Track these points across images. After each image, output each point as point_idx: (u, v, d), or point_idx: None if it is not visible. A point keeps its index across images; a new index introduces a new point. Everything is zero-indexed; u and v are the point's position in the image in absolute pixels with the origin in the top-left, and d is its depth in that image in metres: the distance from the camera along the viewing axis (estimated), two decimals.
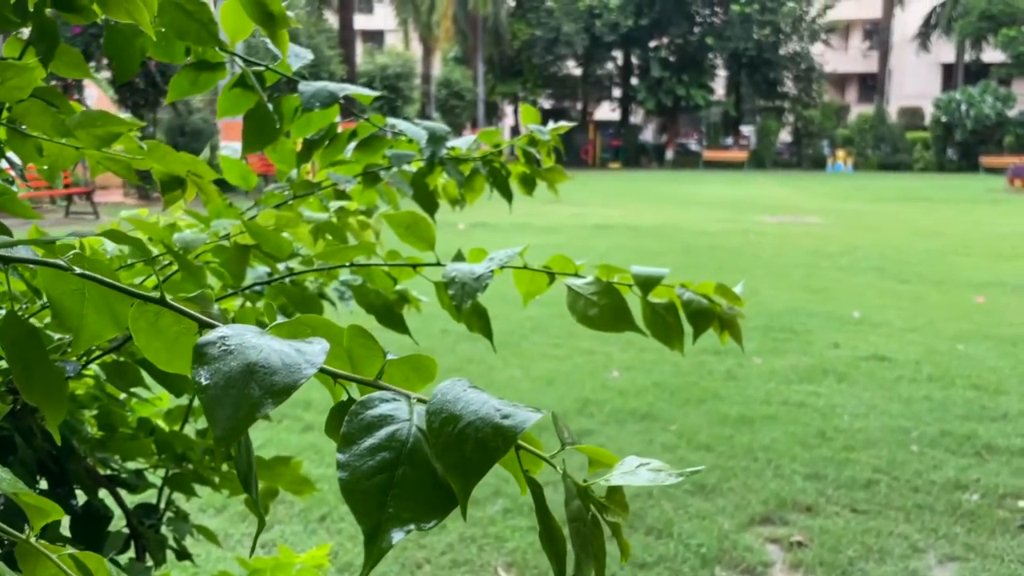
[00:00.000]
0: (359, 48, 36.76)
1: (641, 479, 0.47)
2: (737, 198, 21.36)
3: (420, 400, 0.45)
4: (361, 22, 43.85)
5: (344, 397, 0.51)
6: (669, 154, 40.90)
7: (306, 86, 1.29)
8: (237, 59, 1.18)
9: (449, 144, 1.51)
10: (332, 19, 28.38)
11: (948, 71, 41.87)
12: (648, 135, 45.24)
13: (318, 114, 1.38)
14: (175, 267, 1.15)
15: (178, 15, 0.94)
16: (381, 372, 0.47)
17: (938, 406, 4.69)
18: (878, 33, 41.70)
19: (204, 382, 0.38)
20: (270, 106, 1.21)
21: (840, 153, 37.05)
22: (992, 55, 38.29)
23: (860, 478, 3.72)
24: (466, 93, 34.44)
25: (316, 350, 0.41)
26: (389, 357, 0.49)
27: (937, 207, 18.98)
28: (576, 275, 1.02)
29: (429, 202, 1.52)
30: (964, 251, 11.36)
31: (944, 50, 40.87)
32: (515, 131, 46.15)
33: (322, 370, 0.44)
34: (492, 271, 0.94)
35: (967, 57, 38.99)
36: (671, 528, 3.24)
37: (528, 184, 1.69)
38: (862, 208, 18.58)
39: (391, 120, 1.44)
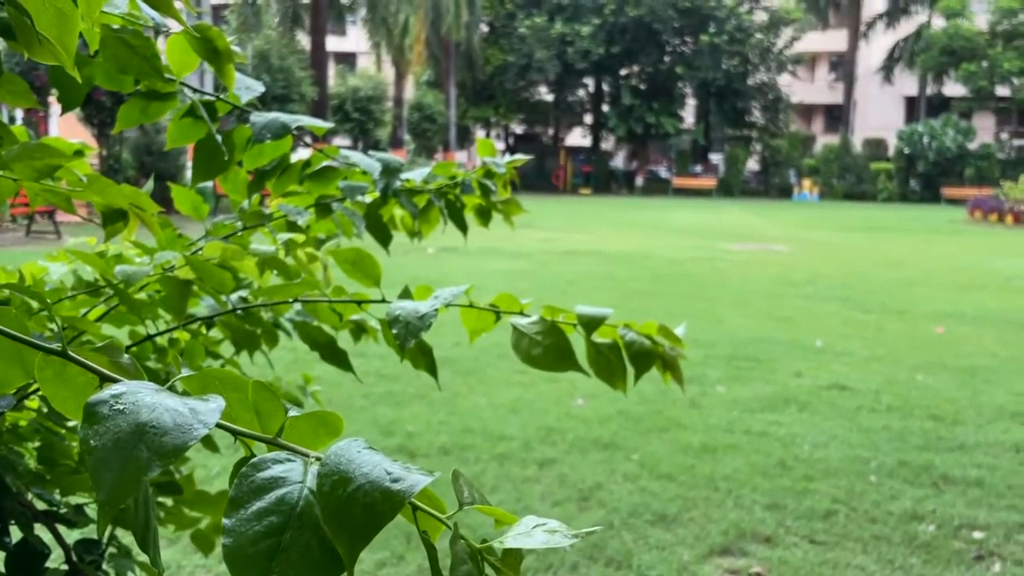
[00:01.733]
0: (331, 70, 36.78)
1: (536, 541, 0.47)
2: (705, 225, 21.59)
3: (318, 459, 0.44)
4: (333, 44, 43.90)
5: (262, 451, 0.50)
6: (639, 180, 41.31)
7: (257, 117, 1.29)
8: (186, 89, 1.18)
9: (404, 176, 1.51)
10: (304, 40, 28.39)
11: (911, 104, 42.84)
12: (619, 161, 45.67)
13: (271, 144, 1.37)
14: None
15: (121, 49, 0.93)
16: (281, 430, 0.46)
17: (896, 436, 4.75)
18: (843, 65, 42.59)
19: (92, 443, 0.37)
20: (219, 137, 1.20)
21: (806, 182, 37.64)
22: (953, 89, 39.26)
23: (819, 508, 3.74)
24: (438, 117, 34.56)
25: (211, 408, 0.40)
26: (291, 413, 0.48)
27: (900, 237, 19.32)
28: (521, 313, 1.01)
29: (383, 234, 1.52)
30: (925, 281, 11.56)
31: (907, 83, 41.83)
32: None
33: (220, 426, 0.43)
34: (436, 310, 0.93)
35: (929, 90, 39.93)
36: (631, 559, 3.22)
37: (484, 216, 1.70)
38: (827, 237, 18.86)
39: (344, 151, 1.44)
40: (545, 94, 42.10)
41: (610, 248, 15.21)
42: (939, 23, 37.98)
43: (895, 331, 7.91)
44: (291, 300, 1.03)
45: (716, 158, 43.02)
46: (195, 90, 1.20)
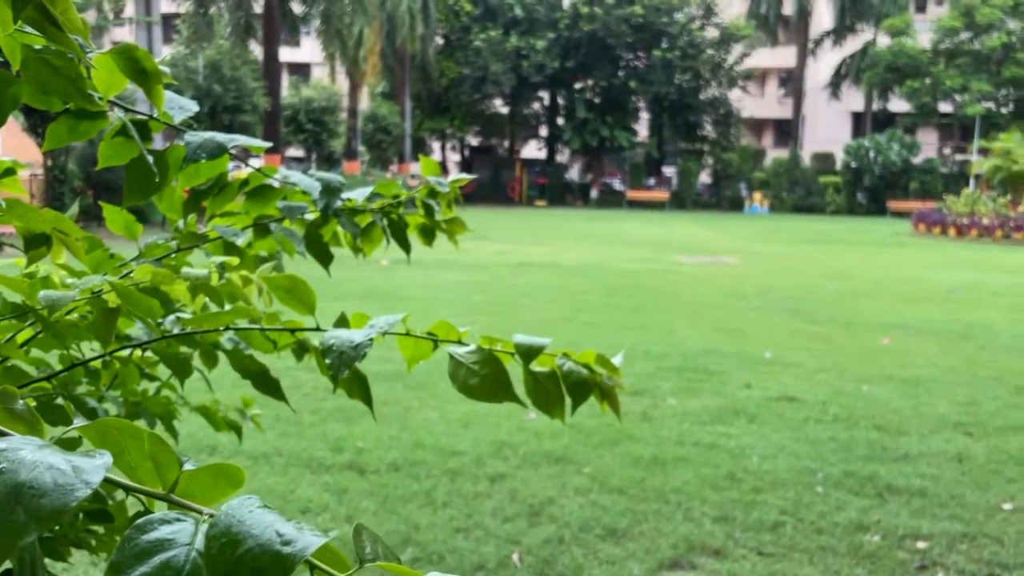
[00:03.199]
0: (285, 80, 36.46)
1: None
2: (658, 238, 21.82)
3: (211, 517, 0.43)
4: (287, 55, 43.53)
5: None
6: (594, 193, 41.62)
7: (192, 136, 1.26)
8: (116, 109, 1.15)
9: (346, 195, 1.49)
10: (257, 51, 28.11)
11: (858, 119, 43.89)
12: (574, 174, 45.98)
13: (207, 163, 1.35)
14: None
15: (44, 70, 0.90)
16: (175, 485, 0.45)
17: (842, 447, 4.83)
18: (792, 81, 43.50)
19: None
20: (151, 157, 1.17)
21: (757, 195, 38.29)
22: (898, 105, 40.34)
23: (767, 520, 3.78)
24: (393, 128, 34.45)
25: (96, 465, 0.39)
26: (187, 467, 0.46)
27: (847, 249, 19.74)
28: (459, 342, 1.00)
29: (323, 254, 1.50)
30: (871, 293, 11.82)
31: (854, 99, 42.87)
32: (442, 167, 46.21)
33: (109, 482, 0.42)
34: (371, 339, 0.92)
35: (875, 106, 40.97)
36: (581, 574, 3.22)
37: (427, 235, 1.69)
38: (777, 250, 19.18)
39: (283, 171, 1.41)
40: (501, 106, 42.25)
41: (565, 260, 15.28)
42: (884, 41, 39.03)
43: (842, 342, 8.06)
44: (221, 329, 1.01)
45: (669, 171, 43.56)
46: (126, 109, 1.17)
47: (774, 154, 44.39)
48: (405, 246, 1.58)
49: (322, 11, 26.01)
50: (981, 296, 11.85)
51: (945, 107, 38.34)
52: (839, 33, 40.25)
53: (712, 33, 38.88)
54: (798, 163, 39.64)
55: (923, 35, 38.08)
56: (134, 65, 0.96)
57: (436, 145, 45.86)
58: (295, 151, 39.03)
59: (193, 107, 1.23)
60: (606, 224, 27.17)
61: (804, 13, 39.34)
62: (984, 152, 31.76)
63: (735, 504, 3.96)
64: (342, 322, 1.05)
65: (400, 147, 35.94)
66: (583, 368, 1.01)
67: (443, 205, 1.66)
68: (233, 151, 1.32)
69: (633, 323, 8.83)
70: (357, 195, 1.51)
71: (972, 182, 32.39)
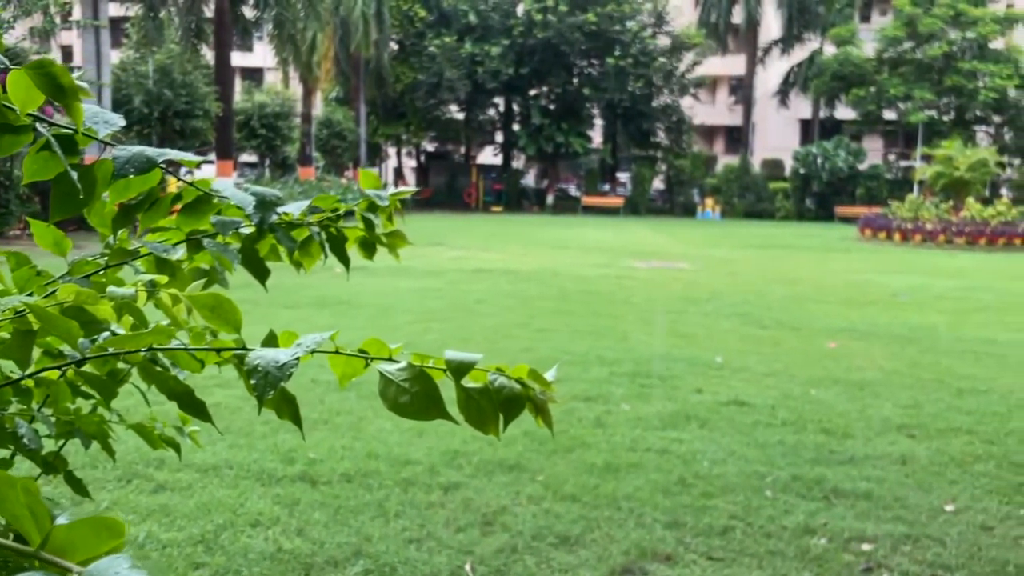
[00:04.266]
0: (237, 85, 35.99)
1: None
2: (613, 243, 21.98)
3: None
4: (239, 59, 42.98)
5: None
6: (550, 199, 41.78)
7: (121, 151, 1.23)
8: (39, 124, 1.12)
9: (282, 209, 1.47)
10: (209, 55, 27.71)
11: (806, 126, 44.78)
12: (530, 180, 46.12)
13: (138, 177, 1.32)
14: None
15: None
16: (46, 540, 0.43)
17: (791, 451, 4.90)
18: (742, 89, 44.20)
19: None
20: (75, 173, 1.14)
21: (709, 201, 38.82)
22: (844, 112, 41.23)
23: (717, 525, 3.82)
24: (348, 134, 34.20)
25: None
26: (59, 521, 0.45)
27: (796, 254, 20.10)
28: (390, 359, 0.99)
29: (259, 269, 1.47)
30: (819, 298, 12.04)
31: (802, 106, 43.73)
32: (398, 172, 46.08)
33: None
34: (298, 358, 0.91)
35: (822, 114, 41.83)
36: None
37: (368, 249, 1.67)
38: (728, 255, 19.45)
39: (216, 185, 1.39)
40: (456, 112, 42.22)
41: (520, 266, 15.30)
42: (830, 50, 39.88)
43: (791, 346, 8.20)
44: (143, 350, 0.98)
45: (624, 177, 43.96)
46: (50, 123, 1.14)
47: (725, 160, 45.08)
48: (344, 260, 1.57)
49: (274, 16, 25.72)
50: (924, 300, 12.15)
51: (889, 115, 39.29)
52: (787, 42, 41.03)
53: (664, 41, 39.34)
54: (748, 169, 40.28)
55: (868, 44, 39.01)
56: (50, 80, 0.93)
57: (392, 151, 45.66)
58: (248, 157, 38.52)
59: (119, 121, 1.21)
60: (562, 230, 27.28)
61: (753, 22, 40.03)
62: (927, 159, 32.63)
63: (686, 509, 4.00)
64: (270, 340, 1.03)
65: (355, 153, 35.69)
66: (516, 383, 1.01)
67: (383, 218, 1.65)
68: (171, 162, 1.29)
69: (587, 329, 8.87)
70: (294, 208, 1.49)
71: (916, 188, 33.23)
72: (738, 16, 40.35)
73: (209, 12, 26.38)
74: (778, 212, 38.27)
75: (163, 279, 1.16)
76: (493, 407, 0.99)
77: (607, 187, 42.63)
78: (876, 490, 4.30)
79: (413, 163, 46.49)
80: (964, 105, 37.57)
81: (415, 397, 0.94)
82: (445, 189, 42.49)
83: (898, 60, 38.48)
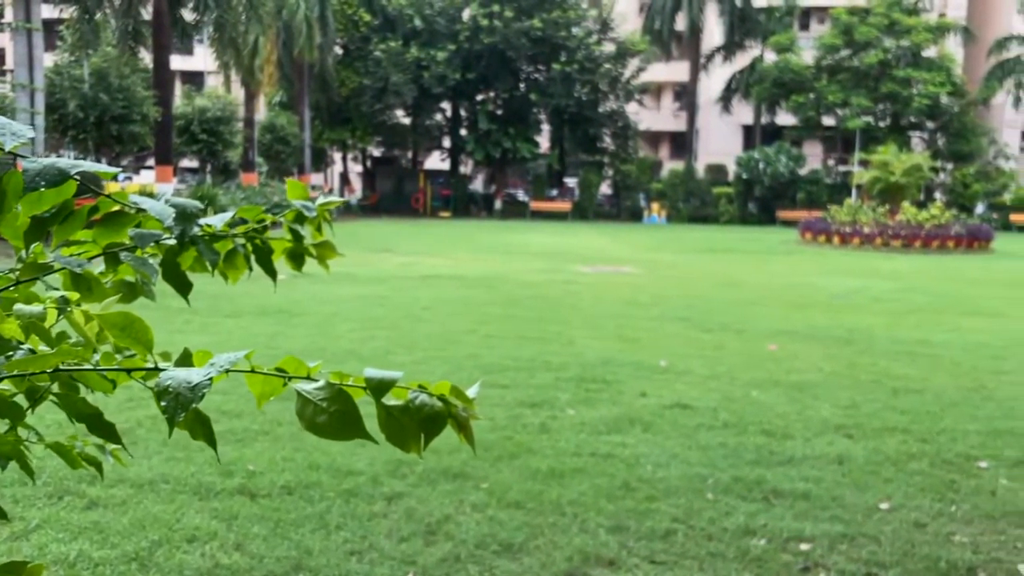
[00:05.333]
0: (177, 89, 35.30)
1: None
2: (560, 248, 22.09)
3: None
4: (179, 63, 42.18)
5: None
6: (498, 204, 41.83)
7: (31, 163, 1.19)
8: None
9: (204, 220, 1.43)
10: (148, 58, 27.12)
11: (748, 132, 45.61)
12: (478, 185, 46.12)
13: (51, 190, 1.27)
14: None
15: None
16: None
17: (732, 453, 4.97)
18: (686, 95, 44.85)
19: None
20: None
21: (655, 206, 39.28)
22: (785, 118, 42.14)
23: (659, 528, 3.85)
24: (292, 139, 33.78)
25: None
26: None
27: (739, 258, 20.45)
28: (308, 378, 0.97)
29: (181, 283, 1.43)
30: (761, 301, 12.26)
31: (744, 112, 44.54)
32: (344, 178, 45.65)
33: None
34: (211, 379, 0.88)
35: (763, 119, 42.66)
36: None
37: (296, 260, 1.64)
38: (674, 259, 19.70)
39: (133, 197, 1.35)
40: (403, 117, 42.01)
41: (468, 272, 15.28)
42: (771, 57, 40.73)
43: (733, 349, 8.32)
44: (48, 371, 0.95)
45: (571, 182, 44.24)
46: None
47: (670, 165, 45.68)
48: (271, 272, 1.54)
49: (215, 19, 25.28)
50: (862, 302, 12.46)
51: (828, 121, 40.27)
52: (729, 49, 41.77)
53: (609, 48, 39.73)
54: (693, 174, 40.89)
55: (807, 52, 39.95)
56: None
57: (338, 156, 45.23)
58: (190, 162, 37.79)
59: (28, 133, 1.17)
60: (510, 235, 27.33)
61: (696, 29, 40.66)
62: (864, 164, 33.51)
63: (629, 513, 4.02)
64: (184, 360, 1.00)
65: (300, 158, 35.26)
66: (437, 401, 1.00)
67: (312, 229, 1.62)
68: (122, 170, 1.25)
69: (534, 334, 8.89)
70: (217, 220, 1.45)
71: (854, 192, 34.10)
72: (681, 23, 40.94)
73: (147, 15, 25.84)
74: (722, 216, 38.90)
75: (74, 296, 1.12)
76: (414, 425, 0.97)
77: (555, 192, 42.84)
78: (814, 490, 4.38)
79: (359, 168, 46.12)
80: (899, 111, 38.71)
81: (333, 417, 0.92)
82: (392, 194, 42.26)
83: (836, 67, 39.48)
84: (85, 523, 3.77)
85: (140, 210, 1.38)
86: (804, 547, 3.72)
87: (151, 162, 24.87)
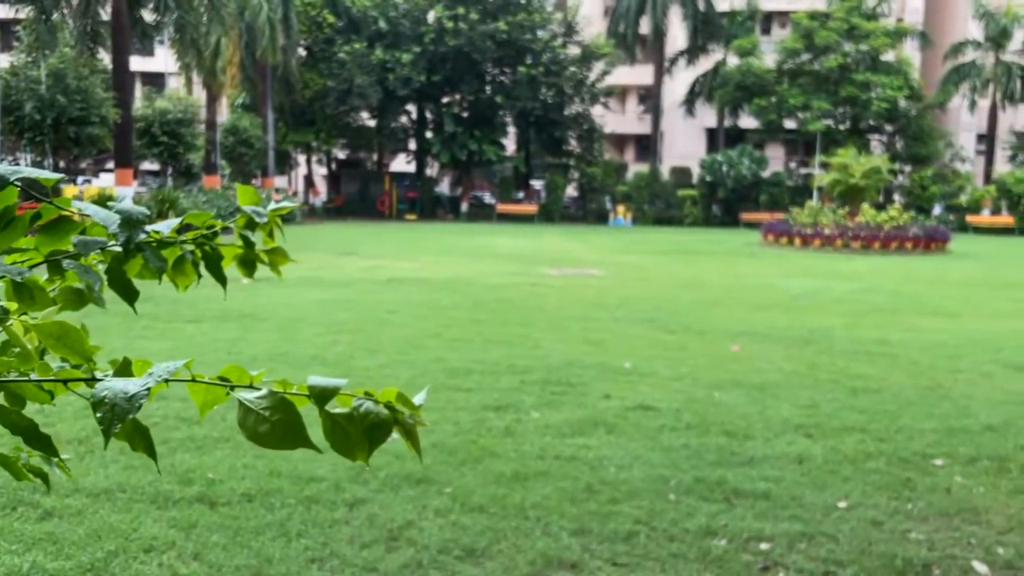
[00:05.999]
0: (138, 91, 34.77)
1: None
2: (527, 251, 22.12)
3: None
4: (140, 64, 41.58)
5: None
6: (464, 206, 41.79)
7: None
8: None
9: (151, 227, 1.41)
10: (107, 59, 26.67)
11: (711, 134, 46.08)
12: (444, 187, 46.03)
13: None
14: None
15: None
16: None
17: (694, 454, 5.01)
18: (650, 98, 45.20)
19: None
20: None
21: (620, 208, 39.52)
22: (747, 121, 42.65)
23: (622, 530, 3.86)
24: (255, 141, 33.44)
25: None
26: None
27: (702, 260, 20.64)
28: (251, 386, 0.96)
29: (127, 291, 1.41)
30: (724, 302, 12.38)
31: (707, 116, 45.01)
32: (308, 180, 45.29)
33: None
34: (148, 389, 0.87)
35: (727, 123, 43.14)
36: None
37: (248, 267, 1.62)
38: (639, 261, 19.83)
39: (77, 203, 1.33)
40: (368, 119, 41.82)
41: (433, 275, 15.24)
42: (733, 61, 41.21)
43: (696, 350, 8.39)
44: None
45: (538, 184, 44.35)
46: None
47: (636, 168, 45.98)
48: (221, 280, 1.52)
49: (175, 20, 24.94)
50: (822, 302, 12.64)
51: (790, 124, 40.84)
52: (692, 53, 42.19)
53: (574, 51, 39.92)
54: (658, 177, 41.21)
55: (769, 56, 40.49)
56: None
57: (302, 158, 44.88)
58: (151, 165, 37.24)
59: None
60: (476, 238, 27.32)
61: (660, 33, 41.00)
62: (825, 166, 34.01)
63: (592, 516, 4.03)
64: (124, 369, 0.98)
65: (263, 160, 34.91)
66: (383, 408, 0.99)
67: (263, 235, 1.61)
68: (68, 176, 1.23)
69: (499, 337, 8.88)
70: (164, 227, 1.43)
71: (815, 194, 34.60)
72: (645, 27, 41.27)
73: (106, 15, 25.41)
74: (687, 218, 39.25)
75: (12, 305, 1.10)
76: (359, 433, 0.97)
77: (521, 195, 42.92)
78: (774, 490, 4.43)
79: (324, 171, 45.80)
80: (858, 115, 39.37)
81: (275, 426, 0.91)
82: (357, 197, 42.04)
83: (797, 71, 40.05)
84: (39, 534, 3.70)
85: (85, 216, 1.36)
86: (764, 547, 3.75)
87: (111, 165, 24.43)
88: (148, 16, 26.80)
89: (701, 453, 5.02)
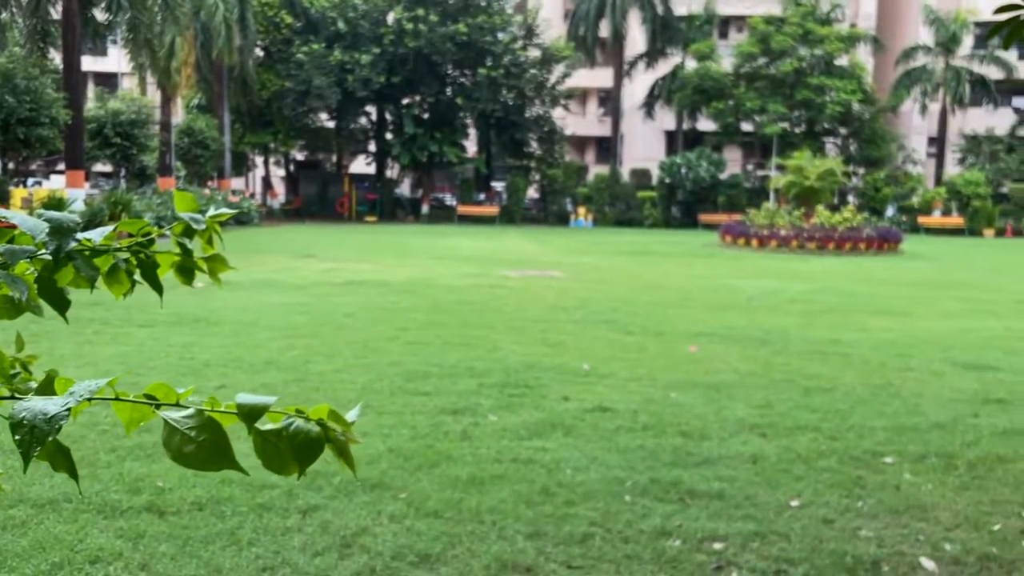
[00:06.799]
0: (90, 91, 34.08)
1: None
2: (488, 253, 22.11)
3: None
4: (92, 64, 40.76)
5: None
6: (425, 208, 41.65)
7: None
8: None
9: (83, 235, 1.38)
10: (58, 59, 26.09)
11: (670, 137, 46.51)
12: (405, 189, 45.83)
13: None
14: None
15: None
16: None
17: (650, 455, 5.04)
18: (610, 101, 45.50)
19: None
20: None
21: (581, 210, 39.70)
22: (705, 124, 43.13)
23: (577, 533, 3.87)
24: (211, 143, 32.97)
25: None
26: None
27: (662, 261, 20.81)
28: (177, 404, 0.94)
29: (58, 300, 1.38)
30: (682, 303, 12.49)
31: (666, 118, 45.42)
32: (266, 182, 44.77)
33: None
34: (68, 409, 0.84)
35: (685, 125, 43.59)
36: None
37: (186, 274, 1.59)
38: (599, 262, 19.93)
39: (3, 211, 1.29)
40: (327, 121, 41.49)
41: (393, 277, 15.15)
42: (692, 64, 41.64)
43: (654, 352, 8.45)
44: None
45: (499, 186, 44.37)
46: None
47: (596, 170, 46.24)
48: (157, 288, 1.49)
49: (128, 19, 24.48)
50: (778, 303, 12.82)
51: (747, 127, 41.38)
52: (651, 56, 42.54)
53: (534, 53, 40.01)
54: (618, 179, 41.48)
55: (726, 60, 40.98)
56: None
57: (259, 160, 44.35)
58: (104, 167, 36.51)
59: None
60: (437, 240, 27.24)
61: (619, 36, 41.28)
62: (781, 168, 34.53)
63: (548, 519, 4.04)
64: (46, 387, 0.96)
65: (219, 162, 34.43)
66: (314, 425, 0.97)
67: (202, 242, 1.58)
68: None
69: (458, 340, 8.86)
70: (96, 234, 1.40)
71: (772, 196, 35.10)
72: (605, 30, 41.52)
73: (56, 14, 24.87)
74: (646, 220, 39.55)
75: None
76: (290, 450, 0.95)
77: (482, 196, 42.90)
78: (728, 489, 4.48)
79: (282, 172, 45.32)
80: (813, 118, 40.02)
81: (200, 446, 0.89)
82: (316, 199, 41.68)
83: (753, 75, 40.60)
84: None
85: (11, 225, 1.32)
86: (717, 546, 3.79)
87: (62, 166, 23.92)
88: (100, 15, 26.28)
89: (657, 454, 5.05)
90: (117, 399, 0.94)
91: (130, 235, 1.51)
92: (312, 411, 1.00)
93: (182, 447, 0.89)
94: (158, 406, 0.95)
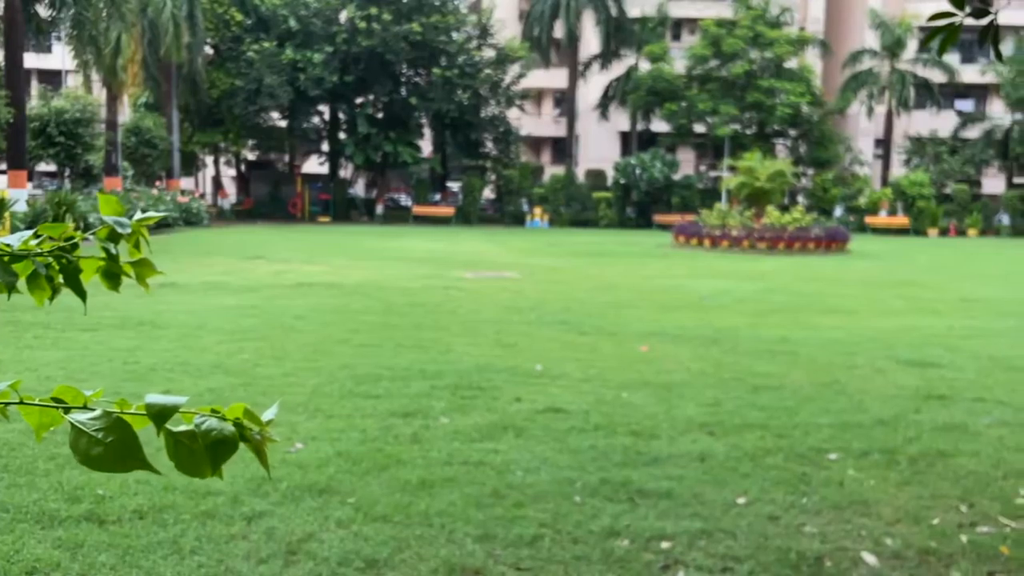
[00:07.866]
0: (33, 89, 33.19)
1: None
2: (443, 254, 22.04)
3: None
4: (35, 61, 39.73)
5: None
6: (379, 209, 41.40)
7: None
8: None
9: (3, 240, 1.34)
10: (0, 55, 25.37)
11: (625, 138, 46.91)
12: (359, 189, 45.49)
13: None
14: None
15: None
16: None
17: (600, 455, 5.06)
18: (566, 102, 45.68)
19: None
20: None
21: (537, 210, 39.82)
22: (659, 125, 43.57)
23: (527, 535, 3.87)
24: (159, 142, 32.35)
25: None
26: None
27: (617, 261, 20.96)
28: (85, 407, 0.91)
29: None
30: (635, 303, 12.59)
31: (621, 119, 45.77)
32: (216, 182, 44.05)
33: None
34: None
35: (639, 126, 43.98)
36: None
37: (112, 280, 1.55)
38: (554, 263, 20.00)
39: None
40: (278, 120, 40.99)
41: (345, 279, 15.01)
42: (645, 66, 42.03)
43: (606, 352, 8.50)
44: None
45: (455, 187, 44.29)
46: None
47: (552, 171, 46.41)
48: (80, 293, 1.45)
49: (72, 16, 23.90)
50: (728, 303, 12.99)
51: (699, 128, 41.90)
52: (606, 57, 42.85)
53: (489, 54, 40.03)
54: (573, 179, 41.70)
55: (679, 62, 41.44)
56: None
57: (209, 159, 43.67)
58: (47, 166, 35.60)
59: None
60: (391, 240, 27.08)
61: (574, 37, 41.50)
62: (732, 169, 35.02)
63: (497, 521, 4.03)
64: None
65: (167, 162, 33.80)
66: (227, 424, 0.95)
67: (129, 246, 1.54)
68: None
69: (411, 342, 8.81)
70: (15, 239, 1.36)
71: (724, 197, 35.59)
72: (560, 31, 41.71)
73: None
74: (602, 220, 39.82)
75: None
76: (203, 450, 0.93)
77: (438, 197, 42.78)
78: (676, 488, 4.52)
79: (233, 172, 44.66)
80: (764, 120, 40.68)
81: (109, 448, 0.87)
82: (268, 199, 41.16)
83: (706, 77, 41.12)
84: None
85: None
86: (665, 545, 3.82)
87: (3, 166, 23.27)
88: (44, 11, 25.63)
89: (607, 454, 5.07)
90: (22, 403, 0.91)
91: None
92: (228, 410, 0.98)
93: (89, 449, 0.86)
94: (67, 410, 0.92)
